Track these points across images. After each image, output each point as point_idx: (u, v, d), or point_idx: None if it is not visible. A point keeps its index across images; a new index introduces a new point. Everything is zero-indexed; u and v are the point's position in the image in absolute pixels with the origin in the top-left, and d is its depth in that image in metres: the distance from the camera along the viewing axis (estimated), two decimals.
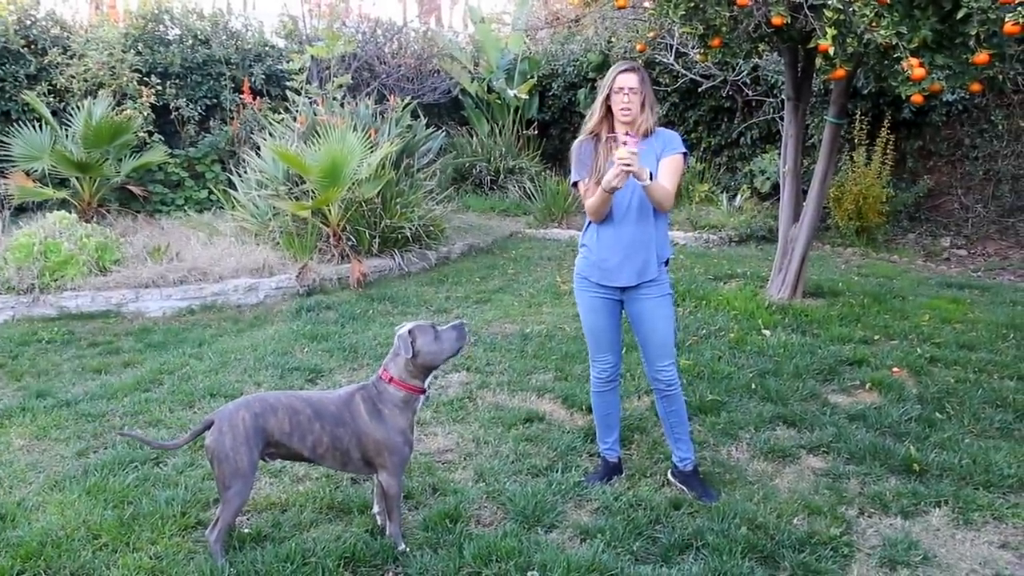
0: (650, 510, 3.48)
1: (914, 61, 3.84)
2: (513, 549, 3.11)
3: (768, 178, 10.23)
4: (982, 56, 3.84)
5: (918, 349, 5.64)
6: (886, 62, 4.15)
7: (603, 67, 10.79)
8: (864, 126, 9.46)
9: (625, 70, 3.49)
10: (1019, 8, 3.46)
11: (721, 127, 11.33)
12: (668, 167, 3.49)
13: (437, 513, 3.40)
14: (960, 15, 3.80)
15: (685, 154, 3.59)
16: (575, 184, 3.70)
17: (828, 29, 3.95)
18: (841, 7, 3.83)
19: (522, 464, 3.93)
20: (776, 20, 4.18)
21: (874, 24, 3.82)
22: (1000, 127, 9.61)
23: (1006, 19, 3.53)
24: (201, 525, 3.31)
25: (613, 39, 10.95)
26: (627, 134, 3.28)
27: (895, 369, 5.25)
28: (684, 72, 10.38)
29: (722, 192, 10.76)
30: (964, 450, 4.11)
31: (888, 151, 9.34)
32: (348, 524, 3.36)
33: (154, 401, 4.68)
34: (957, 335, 6.02)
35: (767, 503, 3.58)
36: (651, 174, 3.35)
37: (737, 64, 9.79)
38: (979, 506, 3.60)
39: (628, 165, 3.18)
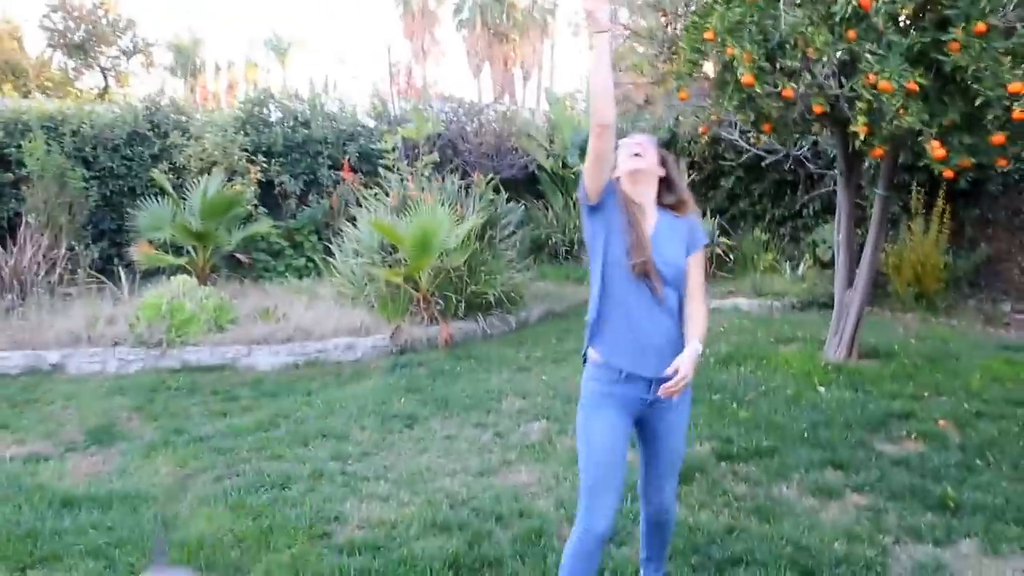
0: (706, 533, 4.01)
1: (935, 143, 4.43)
2: None
3: (829, 247, 10.69)
4: (999, 137, 4.41)
5: (965, 404, 6.04)
6: (918, 141, 4.73)
7: (671, 144, 11.46)
8: (921, 196, 9.90)
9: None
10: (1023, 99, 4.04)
11: (784, 199, 11.87)
12: (698, 266, 3.08)
13: (524, 531, 3.99)
14: (978, 102, 4.38)
15: (706, 245, 3.19)
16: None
17: (859, 117, 4.57)
18: (871, 98, 4.44)
19: None
20: (817, 109, 4.82)
21: (902, 111, 4.42)
22: None
23: (1014, 107, 4.10)
24: (327, 535, 3.96)
25: (680, 118, 11.66)
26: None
27: (941, 421, 5.67)
28: (748, 147, 10.99)
29: (786, 261, 11.24)
30: (999, 492, 4.52)
31: (945, 220, 9.75)
32: (449, 538, 3.96)
33: (274, 439, 5.39)
34: (1006, 392, 6.39)
35: (812, 531, 4.08)
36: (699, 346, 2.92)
37: (797, 140, 10.36)
38: (1008, 538, 4.00)
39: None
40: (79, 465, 5.00)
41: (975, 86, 4.40)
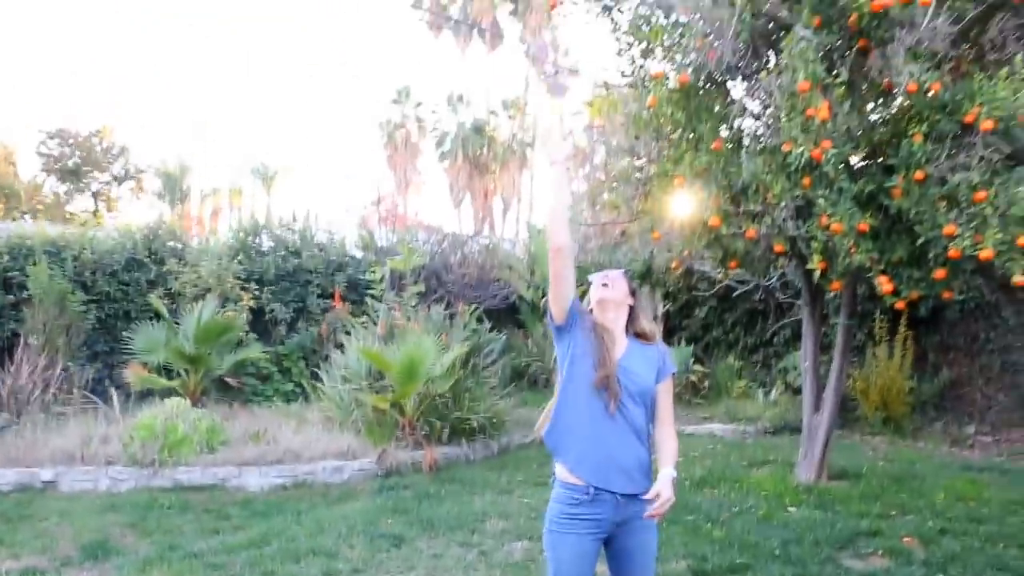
0: None
1: (883, 278, 4.92)
2: None
3: (799, 374, 11.11)
4: (940, 272, 4.90)
5: (930, 522, 6.33)
6: (867, 277, 5.21)
7: (647, 275, 11.99)
8: (885, 324, 10.41)
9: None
10: (956, 239, 4.54)
11: (756, 327, 12.37)
12: (667, 393, 3.23)
13: None
14: (920, 241, 4.89)
15: (674, 373, 3.30)
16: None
17: (815, 255, 5.06)
18: (825, 238, 4.94)
19: None
20: (777, 248, 5.33)
21: (853, 249, 4.91)
22: (1011, 322, 10.46)
23: (949, 247, 4.60)
24: None
25: (655, 251, 12.22)
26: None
27: (907, 539, 5.94)
28: (721, 279, 11.53)
29: (758, 387, 11.65)
30: None
31: (908, 346, 10.25)
32: None
33: (266, 556, 5.56)
34: (969, 511, 6.71)
35: None
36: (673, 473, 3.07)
37: (766, 271, 10.93)
38: None
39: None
40: None
41: (916, 228, 4.92)
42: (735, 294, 11.81)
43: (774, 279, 11.45)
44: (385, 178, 37.79)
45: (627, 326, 3.25)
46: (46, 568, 5.34)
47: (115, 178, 36.70)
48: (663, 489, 2.94)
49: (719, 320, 12.68)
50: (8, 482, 7.16)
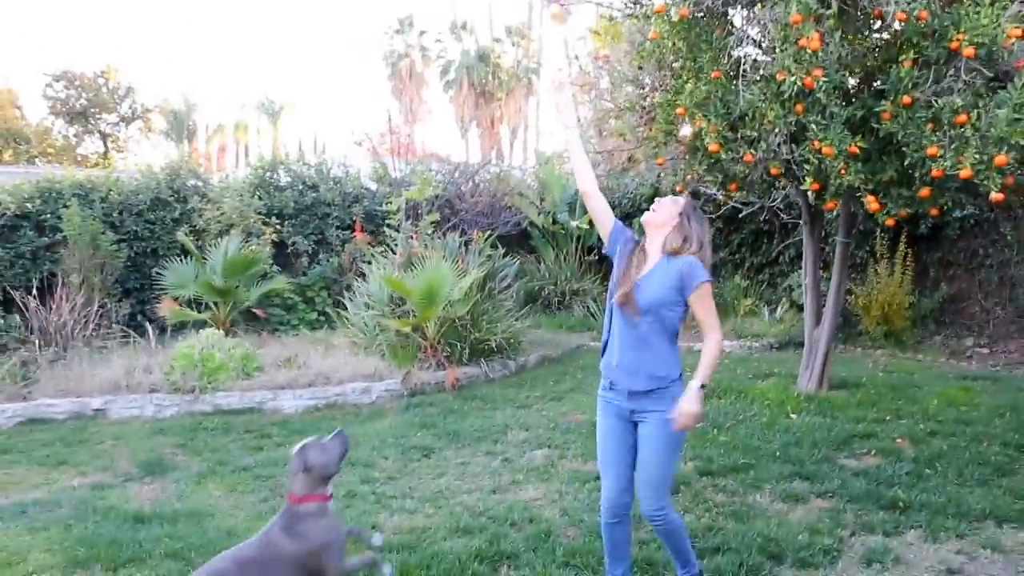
0: (690, 531, 4.70)
1: (871, 198, 5.29)
2: (591, 551, 4.39)
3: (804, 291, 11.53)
4: (924, 191, 5.27)
5: (921, 425, 6.81)
6: (857, 196, 5.57)
7: (654, 199, 12.33)
8: (885, 242, 10.77)
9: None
10: (939, 160, 4.88)
11: (762, 248, 12.74)
12: (699, 303, 3.54)
13: (535, 532, 4.70)
14: (907, 162, 5.23)
15: (709, 281, 3.55)
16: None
17: (808, 177, 5.42)
18: (817, 160, 5.29)
19: (595, 505, 5.15)
20: (774, 171, 5.69)
21: (843, 171, 5.26)
22: (1009, 237, 10.80)
23: (933, 167, 4.94)
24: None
25: (661, 175, 12.55)
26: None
27: (899, 440, 6.42)
28: (726, 201, 11.85)
29: (764, 305, 12.07)
30: (943, 493, 5.25)
31: (908, 263, 10.61)
32: (472, 539, 4.66)
33: None
34: (959, 414, 7.17)
35: (780, 527, 4.79)
36: (702, 385, 3.46)
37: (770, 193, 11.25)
38: (946, 528, 4.73)
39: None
40: (140, 492, 5.69)
41: (904, 149, 5.26)
42: (740, 215, 12.10)
43: (778, 200, 11.77)
44: (392, 109, 37.80)
45: (663, 245, 3.63)
46: (112, 483, 5.88)
47: (123, 118, 36.89)
48: (684, 403, 3.43)
49: (725, 241, 13.04)
50: (63, 411, 7.69)
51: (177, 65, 65.73)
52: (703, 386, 3.45)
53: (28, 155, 31.68)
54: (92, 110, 34.95)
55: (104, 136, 36.25)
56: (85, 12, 58.54)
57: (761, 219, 12.18)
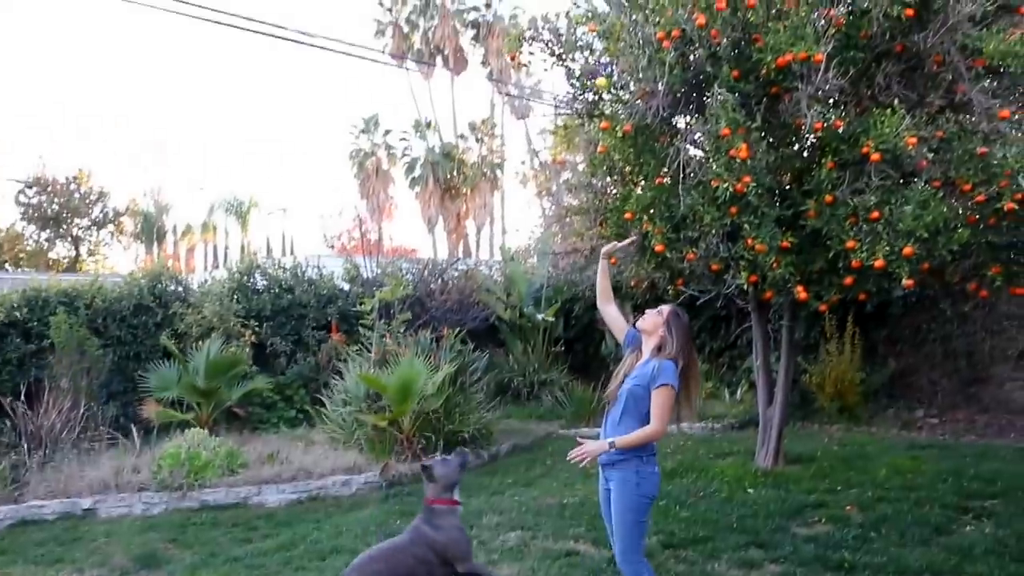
0: None
1: (799, 288, 5.93)
2: None
3: None
4: (848, 279, 5.93)
5: (869, 492, 7.33)
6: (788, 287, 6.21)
7: (617, 291, 12.98)
8: (833, 322, 11.42)
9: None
10: (856, 252, 5.54)
11: (720, 332, 13.38)
12: (655, 400, 4.17)
13: None
14: (831, 255, 5.89)
15: (671, 385, 4.18)
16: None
17: (743, 272, 6.06)
18: (752, 257, 5.93)
19: None
20: (714, 267, 6.35)
21: (775, 264, 5.89)
22: (949, 312, 11.46)
23: (852, 259, 5.60)
24: None
25: (618, 272, 13.23)
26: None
27: (848, 507, 6.93)
28: (683, 289, 12.51)
29: (725, 387, 12.64)
30: (886, 554, 5.76)
31: (857, 341, 11.27)
32: None
33: (296, 557, 6.44)
34: (905, 481, 7.70)
35: None
36: (611, 443, 4.21)
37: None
38: None
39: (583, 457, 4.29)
40: None
41: (828, 243, 5.92)
42: (698, 303, 12.75)
43: (732, 287, 12.45)
44: (360, 207, 38.57)
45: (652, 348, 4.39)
46: None
47: (94, 223, 37.30)
48: (588, 443, 4.28)
49: None
50: (53, 511, 7.99)
51: (146, 166, 66.69)
52: (612, 444, 4.21)
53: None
54: (64, 215, 35.35)
55: (76, 240, 36.59)
56: (56, 117, 59.44)
57: (718, 305, 12.82)
